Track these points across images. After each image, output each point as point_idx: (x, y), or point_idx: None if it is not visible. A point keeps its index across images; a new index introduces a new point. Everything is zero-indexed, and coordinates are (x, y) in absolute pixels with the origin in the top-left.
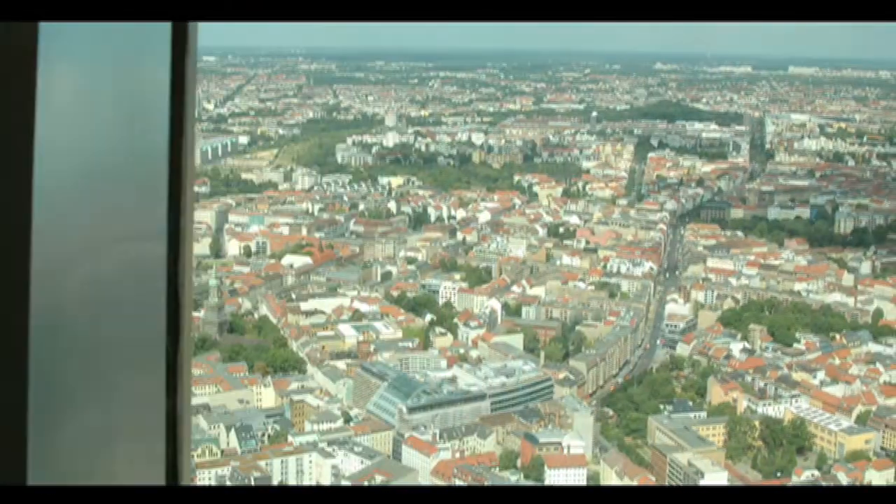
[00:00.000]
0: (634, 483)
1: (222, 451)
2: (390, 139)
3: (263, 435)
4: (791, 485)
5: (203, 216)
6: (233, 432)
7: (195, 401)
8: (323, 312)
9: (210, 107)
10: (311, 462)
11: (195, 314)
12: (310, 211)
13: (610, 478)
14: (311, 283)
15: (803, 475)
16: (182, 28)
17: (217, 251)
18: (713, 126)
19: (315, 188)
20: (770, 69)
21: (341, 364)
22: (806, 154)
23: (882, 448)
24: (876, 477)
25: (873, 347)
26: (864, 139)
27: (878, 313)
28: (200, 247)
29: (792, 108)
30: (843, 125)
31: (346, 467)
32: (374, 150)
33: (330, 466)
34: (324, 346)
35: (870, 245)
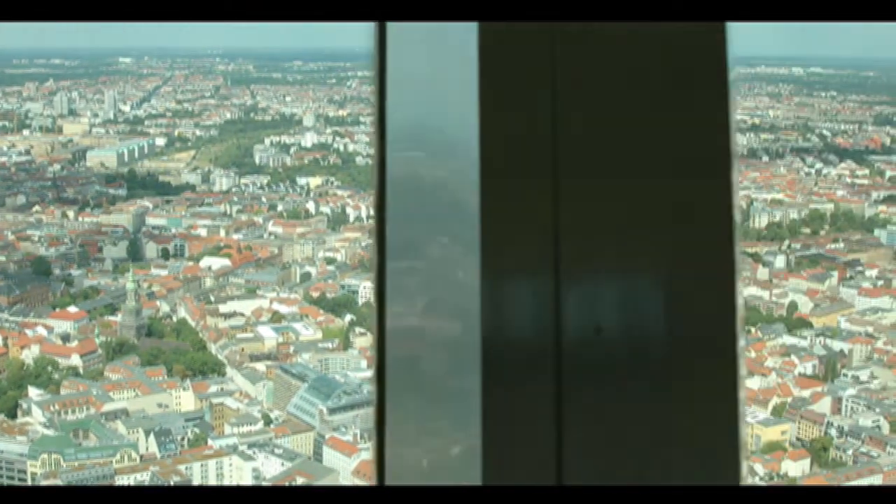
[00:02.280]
0: None
1: (141, 457)
2: (308, 139)
3: (183, 439)
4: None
5: (119, 219)
6: (152, 437)
7: (113, 406)
8: (242, 314)
9: (126, 108)
10: (231, 465)
11: (112, 318)
12: (228, 212)
13: None
14: (230, 285)
15: None
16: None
17: (134, 254)
18: None
19: (233, 189)
20: None
21: (261, 366)
22: None
23: (798, 438)
24: (792, 467)
25: (788, 340)
26: (779, 135)
27: (793, 306)
28: (118, 250)
29: None
30: (757, 121)
31: (266, 470)
32: (292, 150)
33: (251, 469)
34: (243, 348)
35: (784, 239)
